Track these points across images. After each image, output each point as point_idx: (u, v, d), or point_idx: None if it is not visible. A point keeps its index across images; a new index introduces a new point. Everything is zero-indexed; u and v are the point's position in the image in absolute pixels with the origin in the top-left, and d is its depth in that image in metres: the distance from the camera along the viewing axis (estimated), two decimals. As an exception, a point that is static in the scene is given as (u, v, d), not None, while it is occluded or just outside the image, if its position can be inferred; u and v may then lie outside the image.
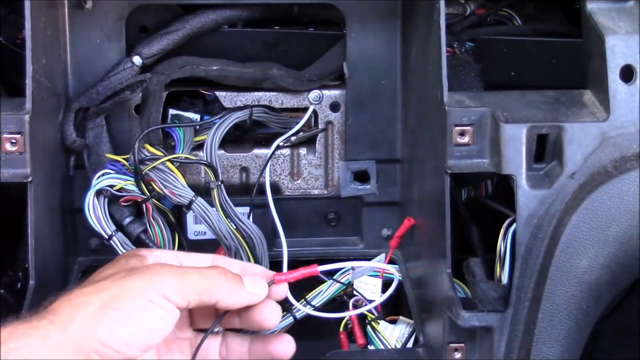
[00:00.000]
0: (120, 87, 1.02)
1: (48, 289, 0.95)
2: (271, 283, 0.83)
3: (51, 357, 0.67)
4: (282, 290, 0.86)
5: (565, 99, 0.92)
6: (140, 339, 0.70)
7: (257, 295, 0.80)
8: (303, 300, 1.07)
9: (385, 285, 1.10)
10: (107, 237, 1.01)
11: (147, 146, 1.02)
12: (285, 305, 1.05)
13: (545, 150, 0.87)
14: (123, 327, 0.69)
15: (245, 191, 1.13)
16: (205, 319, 0.83)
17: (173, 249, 1.06)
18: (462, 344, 0.91)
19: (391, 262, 1.13)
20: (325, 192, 1.16)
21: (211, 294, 0.76)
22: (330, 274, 1.12)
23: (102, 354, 0.69)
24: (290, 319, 1.06)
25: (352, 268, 1.06)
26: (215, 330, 0.83)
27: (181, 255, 0.82)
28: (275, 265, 1.08)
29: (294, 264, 1.00)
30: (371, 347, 1.06)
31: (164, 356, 0.80)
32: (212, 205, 1.03)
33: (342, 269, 1.08)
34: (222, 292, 0.77)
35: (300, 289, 1.08)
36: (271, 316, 0.82)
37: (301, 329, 1.04)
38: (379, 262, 1.07)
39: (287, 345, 0.85)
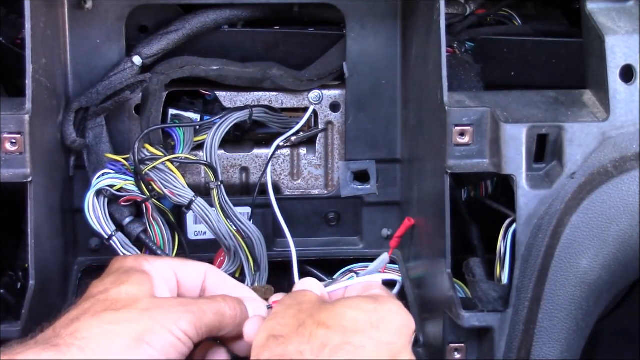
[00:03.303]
0: (120, 87, 1.02)
1: (48, 289, 0.95)
2: (269, 307, 0.84)
3: None
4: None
5: (565, 99, 0.92)
6: None
7: (260, 318, 0.81)
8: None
9: (386, 285, 1.10)
10: (107, 237, 1.02)
11: (147, 146, 1.02)
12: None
13: (545, 150, 0.87)
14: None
15: (245, 191, 1.13)
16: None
17: (173, 249, 1.06)
18: (462, 344, 0.91)
19: (391, 262, 1.13)
20: (325, 192, 1.16)
21: (220, 329, 0.78)
22: (330, 273, 1.12)
23: None
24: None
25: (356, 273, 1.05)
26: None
27: (175, 264, 0.83)
28: (276, 266, 1.09)
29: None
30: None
31: None
32: (212, 205, 1.03)
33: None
34: (231, 326, 0.79)
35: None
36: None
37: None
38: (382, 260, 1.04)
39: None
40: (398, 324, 0.75)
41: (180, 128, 1.06)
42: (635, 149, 0.86)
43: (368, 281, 0.85)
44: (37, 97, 0.90)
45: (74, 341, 0.70)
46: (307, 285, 0.83)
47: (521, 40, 1.09)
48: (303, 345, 0.71)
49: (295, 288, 0.83)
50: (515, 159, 0.86)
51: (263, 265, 1.06)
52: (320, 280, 1.07)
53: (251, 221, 1.07)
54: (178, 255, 1.07)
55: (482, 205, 1.03)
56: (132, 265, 0.80)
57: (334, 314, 0.74)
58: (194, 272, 0.83)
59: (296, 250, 1.12)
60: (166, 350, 0.72)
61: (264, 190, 1.10)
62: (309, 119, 1.12)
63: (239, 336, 0.80)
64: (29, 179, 0.88)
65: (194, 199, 1.02)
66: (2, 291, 0.98)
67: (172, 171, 1.02)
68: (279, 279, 1.08)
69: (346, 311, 0.74)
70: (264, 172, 1.11)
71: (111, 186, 1.01)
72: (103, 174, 1.01)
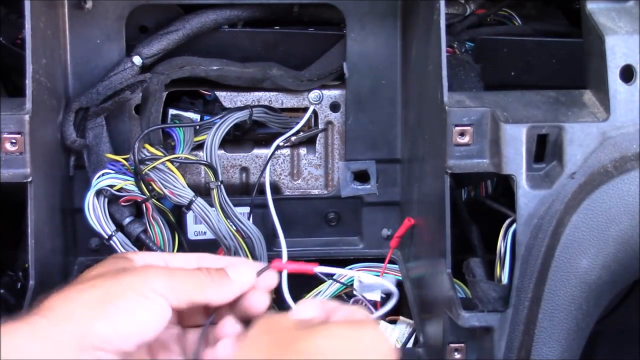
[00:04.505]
0: (120, 87, 1.02)
1: (48, 289, 0.95)
2: (266, 268, 0.82)
3: (48, 355, 0.67)
4: (272, 280, 0.82)
5: (565, 99, 0.92)
6: (137, 334, 0.71)
7: (244, 283, 0.79)
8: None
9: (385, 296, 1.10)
10: (107, 237, 1.02)
11: (147, 146, 1.02)
12: (283, 306, 1.05)
13: (545, 150, 0.87)
14: (121, 321, 0.70)
15: (245, 191, 1.13)
16: (194, 317, 0.83)
17: (173, 249, 1.06)
18: (462, 344, 0.91)
19: (391, 262, 1.13)
20: (325, 192, 1.16)
21: (201, 294, 0.76)
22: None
23: (99, 348, 0.69)
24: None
25: (360, 281, 1.04)
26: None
27: (166, 256, 0.82)
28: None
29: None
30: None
31: (155, 353, 0.80)
32: (212, 205, 1.03)
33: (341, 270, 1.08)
34: (210, 290, 0.77)
35: (300, 289, 1.09)
36: (259, 302, 0.79)
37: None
38: (387, 282, 0.99)
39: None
40: (379, 352, 0.71)
41: (180, 128, 1.06)
42: (635, 149, 0.86)
43: (353, 307, 0.80)
44: (37, 97, 0.90)
45: (40, 312, 0.69)
46: (301, 310, 0.78)
47: (521, 40, 1.09)
48: None
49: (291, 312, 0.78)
50: (515, 159, 0.86)
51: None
52: (320, 280, 1.07)
53: (250, 221, 1.07)
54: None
55: (482, 205, 1.03)
56: (121, 256, 0.80)
57: (310, 345, 0.69)
58: (186, 262, 0.81)
59: (296, 251, 1.12)
60: (134, 310, 0.71)
61: (263, 190, 1.10)
62: (309, 119, 1.12)
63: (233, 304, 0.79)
64: (29, 179, 0.88)
65: (194, 199, 1.02)
66: (2, 291, 0.98)
67: (172, 171, 1.02)
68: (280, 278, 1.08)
69: (323, 342, 0.69)
70: (263, 171, 1.11)
71: (111, 186, 1.01)
72: (103, 174, 1.01)
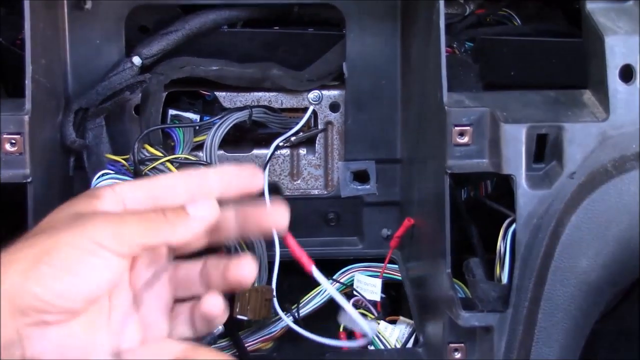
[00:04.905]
0: (120, 87, 1.02)
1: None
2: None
3: None
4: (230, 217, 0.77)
5: (565, 99, 0.92)
6: (78, 291, 0.67)
7: (204, 218, 0.73)
8: (295, 306, 1.07)
9: (386, 285, 1.10)
10: (106, 237, 1.01)
11: (147, 146, 1.02)
12: (285, 305, 1.05)
13: (545, 150, 0.87)
14: (57, 281, 0.66)
15: (245, 191, 1.13)
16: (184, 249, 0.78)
17: (173, 249, 1.06)
18: (462, 344, 0.91)
19: (391, 262, 1.13)
20: (325, 192, 1.16)
21: (155, 236, 0.71)
22: (330, 273, 1.12)
23: (40, 310, 0.65)
24: (289, 319, 1.06)
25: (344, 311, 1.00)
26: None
27: (145, 184, 0.75)
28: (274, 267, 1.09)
29: (293, 265, 1.00)
30: (371, 348, 1.06)
31: (139, 298, 0.75)
32: (211, 205, 1.03)
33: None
34: (165, 230, 0.71)
35: (300, 291, 1.09)
36: (245, 269, 0.75)
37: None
38: (366, 324, 0.91)
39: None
40: None
41: (180, 128, 1.06)
42: (635, 149, 0.86)
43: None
44: (36, 97, 0.90)
45: None
46: None
47: (521, 40, 1.09)
48: None
49: None
50: (515, 159, 0.86)
51: (263, 265, 1.06)
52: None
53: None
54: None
55: (482, 205, 1.03)
56: (89, 194, 0.74)
57: None
58: (139, 189, 0.76)
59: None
60: (71, 267, 0.66)
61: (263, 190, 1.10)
62: (308, 119, 1.12)
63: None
64: (29, 179, 0.89)
65: (193, 199, 1.01)
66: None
67: (172, 171, 1.01)
68: (279, 278, 1.08)
69: None
70: (262, 171, 1.10)
71: (111, 186, 1.01)
72: (103, 174, 1.01)
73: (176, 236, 0.72)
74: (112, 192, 0.74)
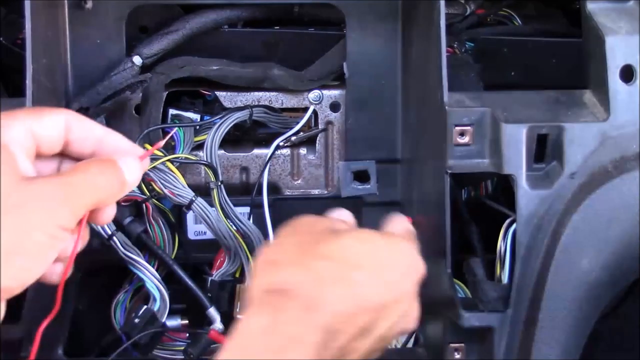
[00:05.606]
0: (121, 87, 1.02)
1: (48, 289, 0.95)
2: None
3: None
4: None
5: (565, 99, 0.92)
6: (37, 275, 0.65)
7: (135, 183, 0.72)
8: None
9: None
10: (107, 237, 1.01)
11: (147, 146, 1.02)
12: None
13: (545, 150, 0.87)
14: (27, 272, 0.64)
15: (245, 191, 1.13)
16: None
17: (173, 249, 1.06)
18: (462, 344, 0.91)
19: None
20: (325, 192, 1.16)
21: (97, 205, 0.69)
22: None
23: None
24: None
25: None
26: None
27: (32, 123, 0.68)
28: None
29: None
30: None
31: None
32: (212, 205, 1.03)
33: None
34: (108, 200, 0.70)
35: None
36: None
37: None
38: None
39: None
40: (405, 265, 0.73)
41: (180, 128, 1.06)
42: (635, 149, 0.86)
43: (395, 220, 0.81)
44: (37, 97, 0.90)
45: None
46: (337, 214, 0.79)
47: (521, 40, 1.09)
48: (299, 276, 0.67)
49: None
50: (515, 159, 0.86)
51: (263, 265, 1.06)
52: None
53: (250, 221, 1.07)
54: (178, 255, 1.07)
55: (482, 205, 1.03)
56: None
57: (339, 246, 0.70)
58: (53, 127, 0.70)
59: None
60: (42, 253, 0.64)
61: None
62: (309, 119, 1.12)
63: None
64: (29, 179, 0.88)
65: (194, 199, 1.02)
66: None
67: (172, 171, 1.02)
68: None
69: (352, 244, 0.71)
70: (263, 171, 1.11)
71: (111, 186, 1.01)
72: (103, 174, 1.01)
73: (113, 200, 0.70)
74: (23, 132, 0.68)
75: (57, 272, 0.71)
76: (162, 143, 0.79)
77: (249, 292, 0.69)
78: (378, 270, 0.70)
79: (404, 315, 0.72)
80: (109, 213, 0.72)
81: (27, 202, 0.63)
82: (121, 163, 0.70)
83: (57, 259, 0.68)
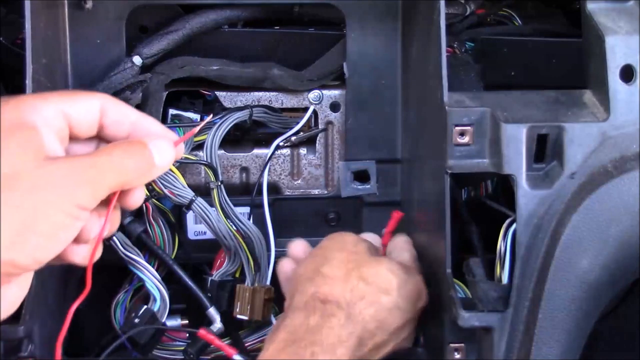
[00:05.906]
0: (121, 87, 1.02)
1: (48, 289, 0.95)
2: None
3: None
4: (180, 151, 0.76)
5: (565, 99, 0.92)
6: (54, 254, 0.65)
7: (166, 167, 0.72)
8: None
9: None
10: (107, 237, 1.01)
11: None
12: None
13: (545, 150, 0.87)
14: (42, 250, 0.63)
15: (245, 191, 1.13)
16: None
17: (173, 249, 1.06)
18: (462, 344, 0.91)
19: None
20: (326, 192, 1.16)
21: (123, 187, 0.69)
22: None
23: (12, 274, 0.64)
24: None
25: None
26: None
27: (66, 106, 0.68)
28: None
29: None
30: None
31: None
32: (212, 205, 1.03)
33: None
34: (134, 182, 0.69)
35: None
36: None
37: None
38: None
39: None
40: (417, 295, 0.90)
41: (180, 128, 1.06)
42: (635, 149, 0.86)
43: (407, 239, 0.99)
44: (37, 97, 0.90)
45: None
46: (371, 238, 0.97)
47: (521, 40, 1.09)
48: (346, 293, 0.85)
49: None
50: (515, 159, 0.86)
51: (263, 265, 1.06)
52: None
53: (250, 221, 1.07)
54: (178, 255, 1.07)
55: (482, 205, 1.02)
56: (16, 119, 0.65)
57: (376, 272, 0.87)
58: (88, 110, 0.69)
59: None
60: (59, 232, 0.64)
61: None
62: (309, 119, 1.12)
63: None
64: (29, 179, 0.88)
65: (194, 199, 1.02)
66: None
67: (172, 171, 1.02)
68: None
69: (385, 273, 0.88)
70: (263, 171, 1.11)
71: (111, 186, 1.01)
72: (103, 174, 1.01)
73: (141, 182, 0.70)
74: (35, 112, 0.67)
75: (81, 254, 0.71)
76: (196, 130, 0.80)
77: (294, 291, 0.86)
78: (399, 298, 0.88)
79: (406, 337, 0.91)
80: (138, 196, 0.72)
81: (47, 181, 0.63)
82: (151, 146, 0.70)
83: (84, 240, 0.69)
